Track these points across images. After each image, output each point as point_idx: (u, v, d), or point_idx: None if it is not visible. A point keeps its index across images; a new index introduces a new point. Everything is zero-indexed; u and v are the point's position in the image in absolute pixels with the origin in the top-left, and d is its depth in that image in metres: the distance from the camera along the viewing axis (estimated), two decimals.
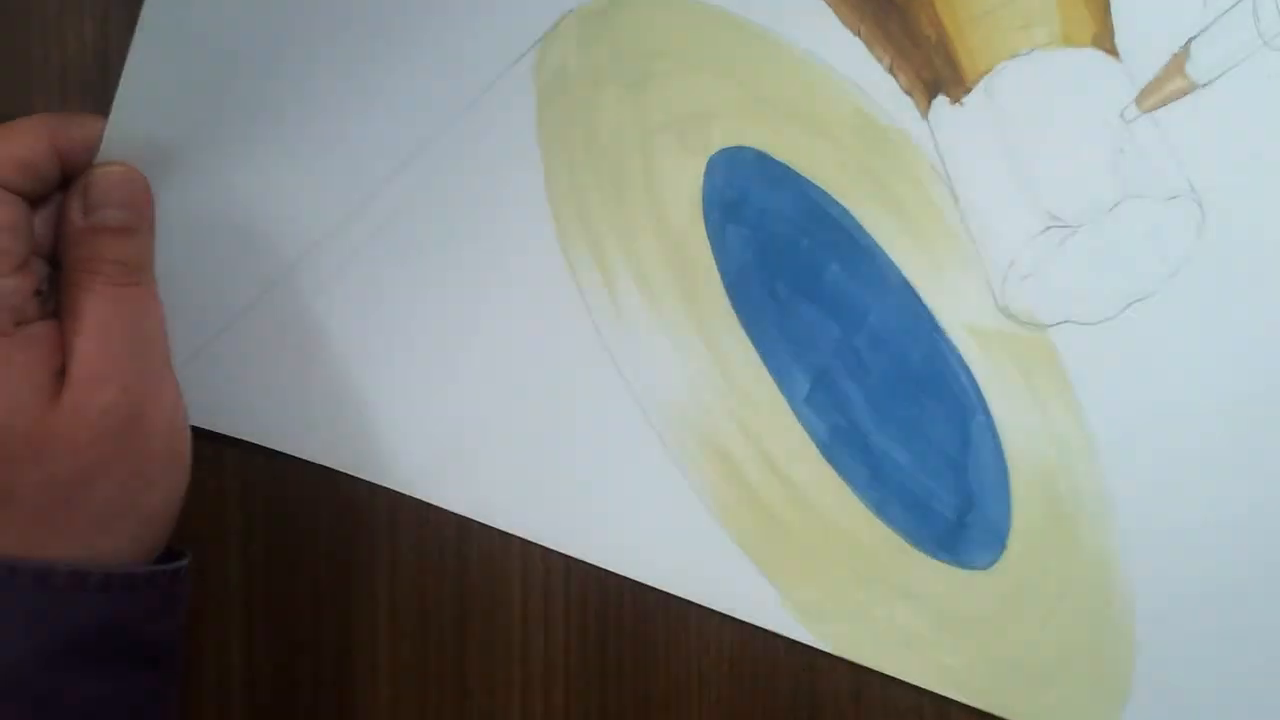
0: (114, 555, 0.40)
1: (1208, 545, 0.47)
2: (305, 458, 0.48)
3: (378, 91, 0.45)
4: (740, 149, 0.47)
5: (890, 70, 0.47)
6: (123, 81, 0.41)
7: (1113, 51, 0.46)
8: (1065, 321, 0.47)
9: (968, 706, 0.49)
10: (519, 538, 0.50)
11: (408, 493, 0.49)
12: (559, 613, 0.50)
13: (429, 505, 0.49)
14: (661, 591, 0.50)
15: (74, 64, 0.47)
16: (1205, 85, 0.45)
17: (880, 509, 0.48)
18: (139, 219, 0.42)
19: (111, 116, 0.41)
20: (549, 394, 0.49)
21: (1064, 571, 0.48)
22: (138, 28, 0.40)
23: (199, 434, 0.44)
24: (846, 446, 0.48)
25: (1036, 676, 0.49)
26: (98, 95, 0.46)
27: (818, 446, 0.48)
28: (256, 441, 0.48)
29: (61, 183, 0.41)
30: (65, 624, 0.38)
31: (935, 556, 0.48)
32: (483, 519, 0.49)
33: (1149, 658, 0.48)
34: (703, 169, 0.48)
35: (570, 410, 0.49)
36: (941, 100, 0.46)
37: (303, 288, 0.47)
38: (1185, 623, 0.48)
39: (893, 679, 0.50)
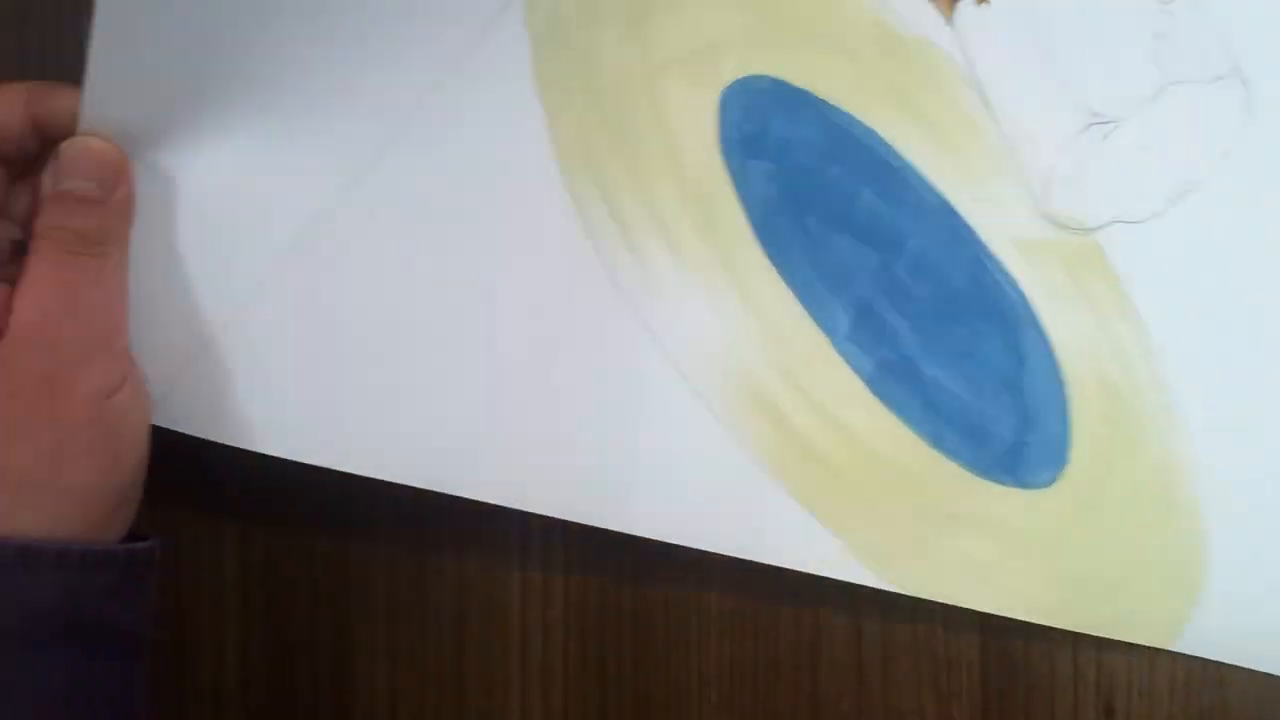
0: (34, 531, 0.38)
1: (1274, 437, 0.46)
2: (324, 465, 0.45)
3: (365, 55, 0.42)
4: (755, 78, 0.44)
5: None
6: (91, 52, 0.39)
7: None
8: (1113, 222, 0.45)
9: (971, 703, 0.49)
10: (517, 538, 0.48)
11: (434, 489, 0.45)
12: (558, 613, 0.49)
13: (426, 505, 0.46)
14: (661, 592, 0.48)
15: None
16: None
17: (937, 440, 0.46)
18: (105, 191, 0.41)
19: (84, 89, 0.40)
20: (574, 362, 0.45)
21: (1128, 479, 0.46)
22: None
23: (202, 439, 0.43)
24: (895, 380, 0.46)
25: (1107, 588, 0.47)
26: None
27: (865, 383, 0.46)
28: (271, 454, 0.44)
29: (41, 153, 0.41)
30: (19, 602, 0.38)
31: (997, 481, 0.46)
32: (516, 505, 0.46)
33: (1219, 557, 0.47)
34: (716, 104, 0.44)
35: (599, 377, 0.45)
36: (967, 1, 0.43)
37: (305, 270, 0.43)
38: (1256, 517, 0.46)
39: (893, 682, 0.49)
